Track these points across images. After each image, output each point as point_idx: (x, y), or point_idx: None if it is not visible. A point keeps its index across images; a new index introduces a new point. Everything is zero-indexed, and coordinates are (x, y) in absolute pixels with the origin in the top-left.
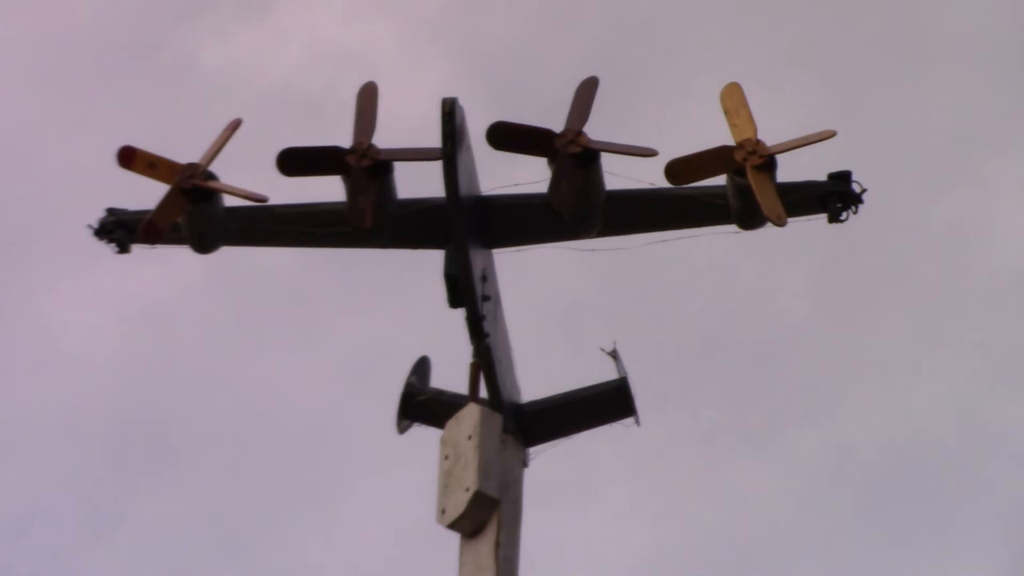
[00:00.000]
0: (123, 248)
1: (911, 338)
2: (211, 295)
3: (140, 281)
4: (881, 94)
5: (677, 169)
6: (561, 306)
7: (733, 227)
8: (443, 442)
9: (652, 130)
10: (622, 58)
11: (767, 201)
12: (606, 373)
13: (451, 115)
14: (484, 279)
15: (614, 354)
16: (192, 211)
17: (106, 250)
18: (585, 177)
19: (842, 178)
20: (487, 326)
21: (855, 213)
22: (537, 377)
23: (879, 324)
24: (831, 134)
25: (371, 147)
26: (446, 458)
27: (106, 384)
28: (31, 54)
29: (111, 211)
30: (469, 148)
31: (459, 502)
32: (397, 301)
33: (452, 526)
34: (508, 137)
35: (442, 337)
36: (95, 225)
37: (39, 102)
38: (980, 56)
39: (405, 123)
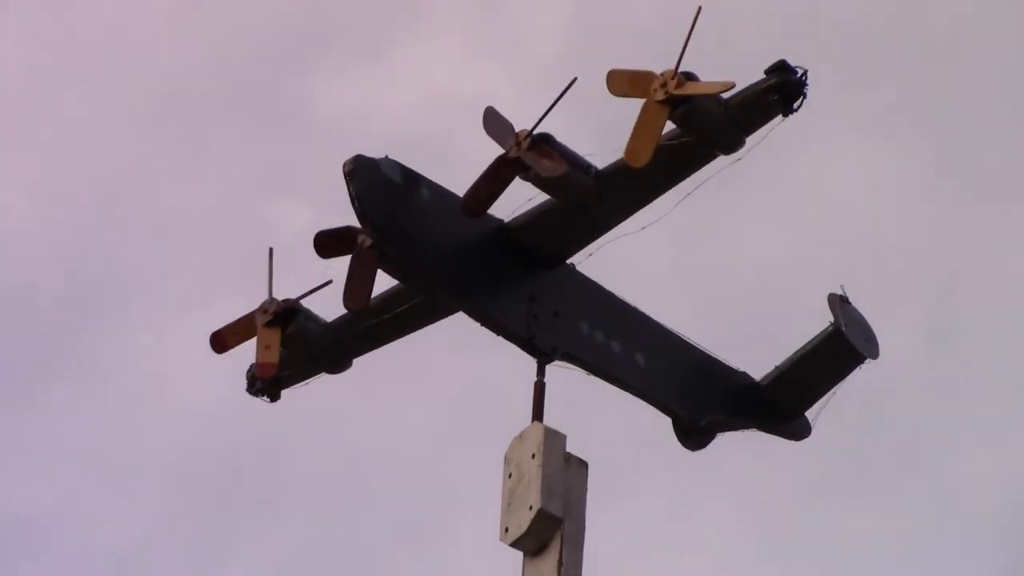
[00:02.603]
0: (273, 397)
1: (1017, 386)
2: None
3: None
4: (990, 143)
5: (613, 79)
6: None
7: (724, 159)
8: (507, 461)
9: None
10: None
11: (635, 140)
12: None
13: (350, 177)
14: (533, 299)
15: (843, 299)
16: (286, 341)
17: (218, 294)
18: (559, 164)
19: (778, 69)
20: (552, 341)
21: (805, 97)
22: None
23: (985, 372)
24: (731, 85)
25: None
26: (509, 476)
27: (213, 429)
28: (149, 96)
29: (252, 367)
30: (427, 188)
31: (522, 520)
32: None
33: (515, 544)
34: (481, 201)
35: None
36: (246, 385)
37: (155, 144)
38: None
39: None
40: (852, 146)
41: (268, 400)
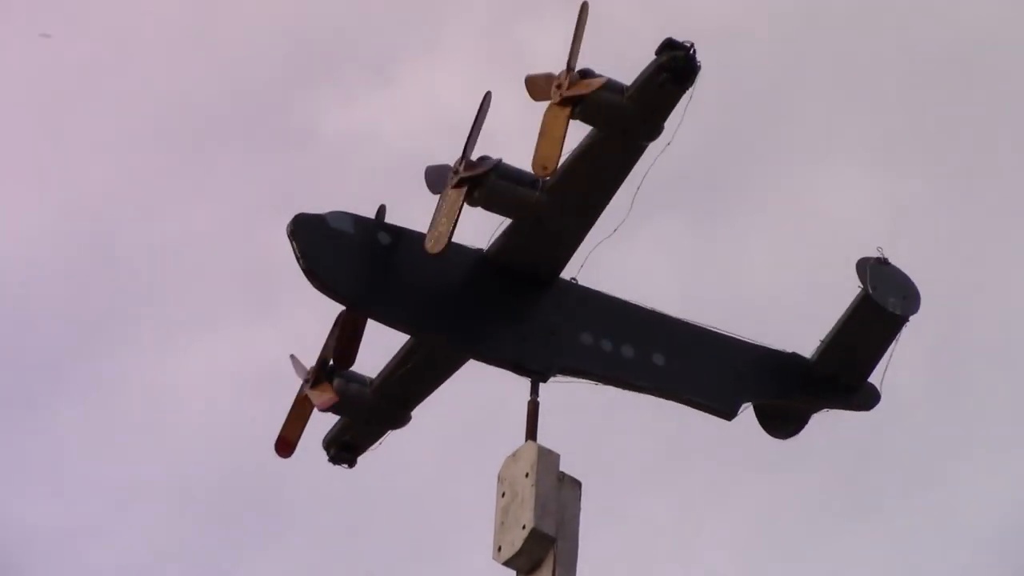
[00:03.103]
0: (351, 464)
1: (1017, 414)
2: None
3: (255, 347)
4: (993, 172)
5: (529, 84)
6: None
7: (649, 146)
8: (500, 479)
9: (758, 204)
10: (735, 132)
11: (541, 146)
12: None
13: (292, 236)
14: (521, 322)
15: (879, 260)
16: (339, 411)
17: (223, 316)
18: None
19: (665, 48)
20: (545, 360)
21: (696, 71)
22: None
23: (986, 401)
24: (605, 80)
25: None
26: (503, 495)
27: (218, 448)
28: (156, 116)
29: (325, 438)
30: (387, 233)
31: (515, 539)
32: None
33: (508, 563)
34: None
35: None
36: (326, 456)
37: (162, 164)
38: None
39: None
40: (859, 168)
41: (347, 467)
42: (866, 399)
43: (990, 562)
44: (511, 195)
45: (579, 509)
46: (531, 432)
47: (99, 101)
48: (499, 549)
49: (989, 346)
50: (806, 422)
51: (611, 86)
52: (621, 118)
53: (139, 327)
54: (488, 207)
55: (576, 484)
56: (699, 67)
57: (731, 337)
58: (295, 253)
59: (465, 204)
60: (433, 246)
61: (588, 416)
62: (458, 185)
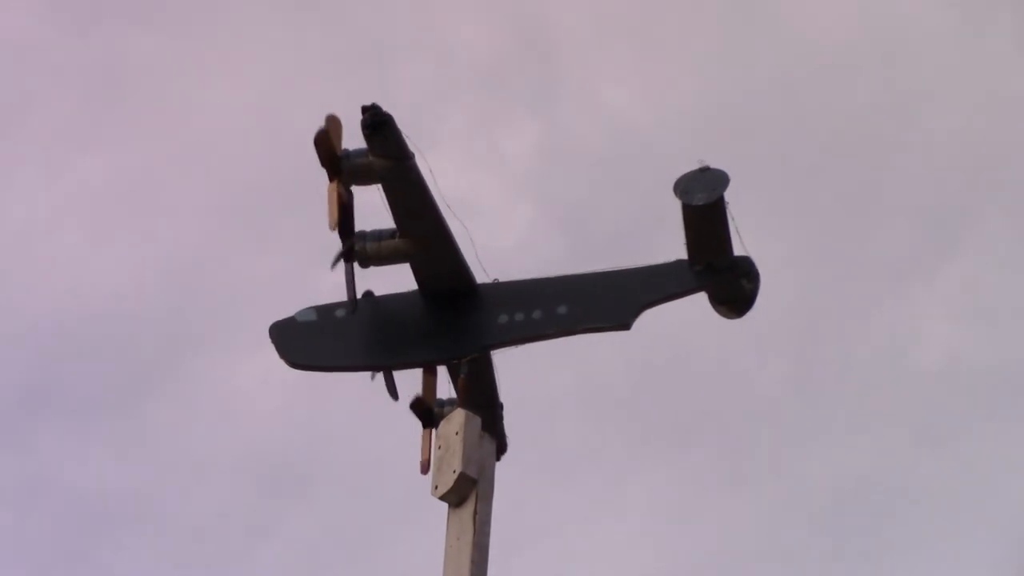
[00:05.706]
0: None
1: (855, 413)
2: None
3: None
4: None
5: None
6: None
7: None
8: (438, 436)
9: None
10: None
11: (328, 216)
12: None
13: (271, 339)
14: (437, 329)
15: (700, 170)
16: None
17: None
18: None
19: (363, 113)
20: (455, 350)
21: (381, 118)
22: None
23: (832, 403)
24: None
25: None
26: (439, 447)
27: (270, 431)
28: (230, 189)
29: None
30: (341, 309)
31: (448, 481)
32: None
33: (442, 498)
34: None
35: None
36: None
37: (234, 227)
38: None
39: (498, 254)
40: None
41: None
42: (745, 267)
43: (832, 520)
44: (381, 251)
45: (494, 458)
46: (461, 402)
47: (188, 179)
48: (435, 487)
49: (836, 364)
50: (744, 300)
51: (356, 153)
52: (377, 172)
53: (214, 344)
54: (377, 264)
55: (492, 440)
56: (383, 117)
57: (627, 269)
58: (277, 353)
59: (356, 269)
60: (348, 308)
61: (528, 404)
62: (345, 260)
